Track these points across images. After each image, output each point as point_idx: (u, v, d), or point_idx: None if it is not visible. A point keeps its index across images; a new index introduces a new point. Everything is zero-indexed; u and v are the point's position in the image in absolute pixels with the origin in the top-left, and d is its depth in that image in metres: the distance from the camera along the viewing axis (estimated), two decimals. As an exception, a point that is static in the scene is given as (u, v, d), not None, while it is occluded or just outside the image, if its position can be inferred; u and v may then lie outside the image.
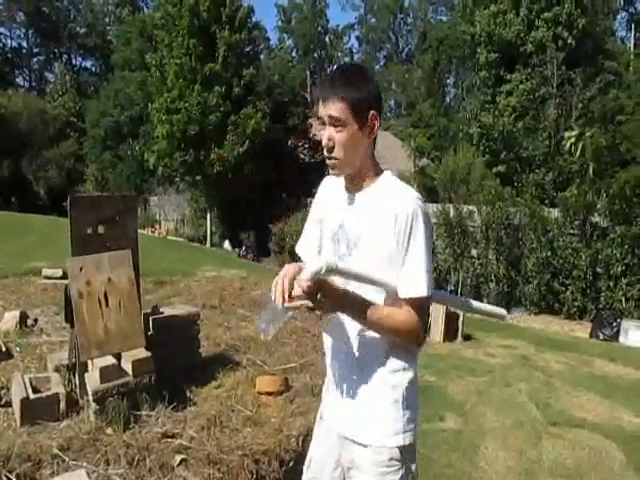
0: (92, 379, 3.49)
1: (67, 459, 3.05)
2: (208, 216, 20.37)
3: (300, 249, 1.87)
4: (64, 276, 7.39)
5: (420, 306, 1.56)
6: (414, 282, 1.54)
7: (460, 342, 7.19)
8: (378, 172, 1.65)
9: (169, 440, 3.28)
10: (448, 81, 37.72)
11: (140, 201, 25.37)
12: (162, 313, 4.20)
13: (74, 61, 62.24)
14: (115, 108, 29.38)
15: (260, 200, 19.65)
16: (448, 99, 36.28)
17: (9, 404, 3.65)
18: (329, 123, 1.54)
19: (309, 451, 1.90)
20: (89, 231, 3.84)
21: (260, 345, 4.96)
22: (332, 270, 1.46)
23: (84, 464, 3.02)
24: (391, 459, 1.61)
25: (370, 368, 1.62)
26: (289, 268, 1.53)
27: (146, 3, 60.49)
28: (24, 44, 61.71)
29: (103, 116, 29.71)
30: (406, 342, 1.61)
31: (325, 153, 1.57)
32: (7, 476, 2.84)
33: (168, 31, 19.46)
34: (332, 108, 1.51)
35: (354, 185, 1.65)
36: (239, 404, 3.80)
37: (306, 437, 3.52)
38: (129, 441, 3.20)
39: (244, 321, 5.68)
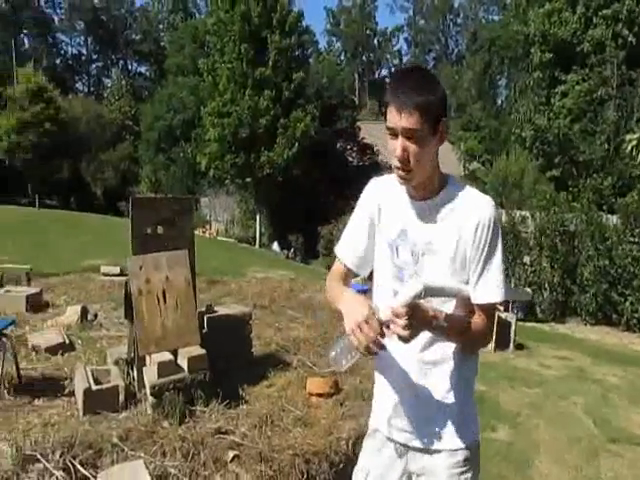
0: (150, 373, 3.61)
1: (126, 449, 3.17)
2: (257, 218, 20.69)
3: (342, 251, 1.77)
4: (121, 273, 7.68)
5: (493, 311, 1.58)
6: (493, 289, 1.53)
7: (512, 351, 7.03)
8: (443, 177, 1.60)
9: (222, 436, 3.36)
10: (500, 82, 36.99)
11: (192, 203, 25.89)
12: (216, 312, 4.30)
13: (130, 67, 64.53)
14: (168, 112, 30.21)
15: (308, 202, 19.81)
16: (499, 101, 35.59)
17: (72, 394, 3.82)
18: (403, 134, 1.45)
19: (362, 461, 1.84)
20: (148, 231, 3.99)
21: (310, 347, 5.01)
22: (428, 291, 1.40)
23: (142, 455, 3.12)
24: (465, 459, 1.62)
25: (439, 373, 1.60)
26: (361, 310, 1.41)
27: (198, 9, 62.15)
28: (83, 51, 64.46)
29: (157, 120, 30.61)
30: (476, 346, 1.63)
31: (396, 163, 1.49)
32: (71, 461, 2.98)
33: (220, 36, 19.91)
34: (409, 120, 1.43)
35: (420, 192, 1.58)
36: (290, 404, 3.84)
37: (356, 441, 3.52)
38: (184, 435, 3.29)
39: (294, 322, 5.74)
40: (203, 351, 3.73)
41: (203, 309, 4.31)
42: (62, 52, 62.97)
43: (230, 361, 4.17)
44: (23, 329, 5.04)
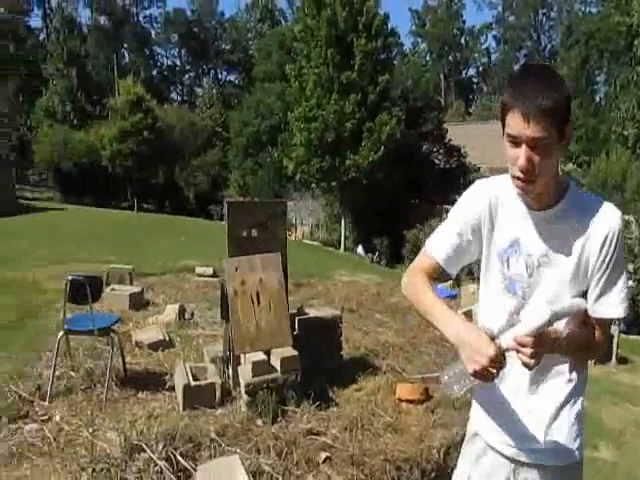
0: (245, 372, 3.74)
1: (223, 444, 3.30)
2: (342, 221, 20.79)
3: (435, 246, 1.61)
4: (214, 274, 8.00)
5: (610, 325, 1.51)
6: (616, 304, 1.45)
7: (614, 365, 6.59)
8: (562, 183, 1.47)
9: (314, 437, 3.41)
10: (598, 78, 34.88)
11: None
12: (307, 314, 4.38)
13: (220, 75, 67.22)
14: (256, 118, 31.06)
15: (394, 206, 19.66)
16: (598, 98, 33.55)
17: (172, 389, 4.04)
18: (528, 143, 1.32)
19: (462, 467, 1.78)
20: (244, 234, 4.13)
21: (399, 352, 4.97)
22: (554, 318, 1.33)
23: (237, 450, 3.24)
24: (573, 473, 1.57)
25: (550, 388, 1.52)
26: (481, 346, 1.32)
27: (285, 17, 63.58)
28: (177, 62, 67.90)
29: (245, 126, 31.55)
30: (590, 359, 1.56)
31: (518, 174, 1.37)
32: (173, 453, 3.14)
33: (307, 42, 20.22)
34: (535, 128, 1.30)
35: (538, 200, 1.45)
36: (379, 409, 3.84)
37: (448, 450, 3.45)
38: (277, 434, 3.37)
39: (382, 327, 5.72)
40: (295, 352, 3.80)
41: (294, 311, 4.40)
42: (158, 64, 66.68)
43: (320, 363, 4.22)
44: (127, 326, 5.38)
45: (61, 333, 3.99)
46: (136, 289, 6.39)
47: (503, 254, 1.53)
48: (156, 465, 3.04)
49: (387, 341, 5.19)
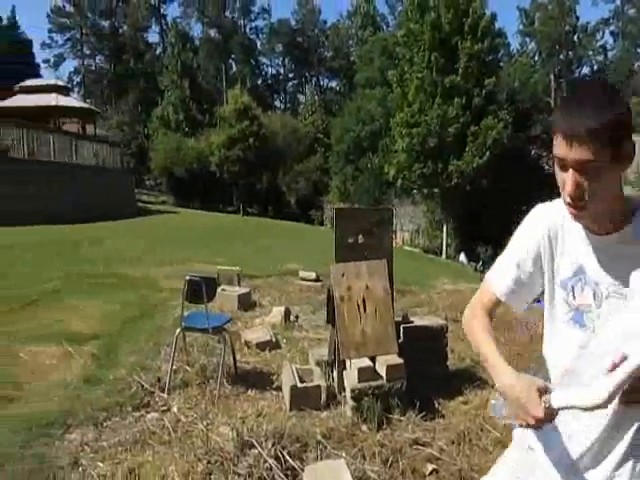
0: (350, 377, 3.77)
1: (328, 447, 3.34)
2: (444, 228, 20.38)
3: (495, 279, 1.51)
4: (317, 279, 8.16)
5: None
6: None
7: None
8: (630, 205, 1.32)
9: (420, 447, 3.36)
10: None
11: (377, 211, 26.48)
12: (412, 322, 4.33)
13: (322, 82, 68.53)
14: (357, 124, 31.33)
15: (499, 213, 18.92)
16: None
17: (279, 389, 4.16)
18: (575, 167, 1.20)
19: (496, 468, 1.65)
20: (350, 240, 4.18)
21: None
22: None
23: (343, 454, 3.27)
24: None
25: (631, 427, 1.34)
26: (530, 406, 1.23)
27: (387, 23, 63.51)
28: (281, 71, 70.10)
29: (346, 132, 31.94)
30: None
31: (567, 199, 1.25)
32: (281, 452, 3.24)
33: (410, 47, 20.11)
34: (580, 150, 1.18)
35: (600, 225, 1.32)
36: (488, 424, 3.70)
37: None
38: (383, 441, 3.37)
39: (488, 338, 5.51)
40: (401, 360, 3.78)
41: (399, 318, 4.37)
42: (263, 73, 69.20)
43: (425, 373, 4.16)
44: (236, 325, 5.62)
45: (178, 330, 4.26)
46: (244, 290, 6.67)
47: (568, 282, 1.41)
48: (265, 462, 3.14)
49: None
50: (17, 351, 4.51)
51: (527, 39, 57.57)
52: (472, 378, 4.39)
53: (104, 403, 3.79)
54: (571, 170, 1.21)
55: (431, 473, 3.14)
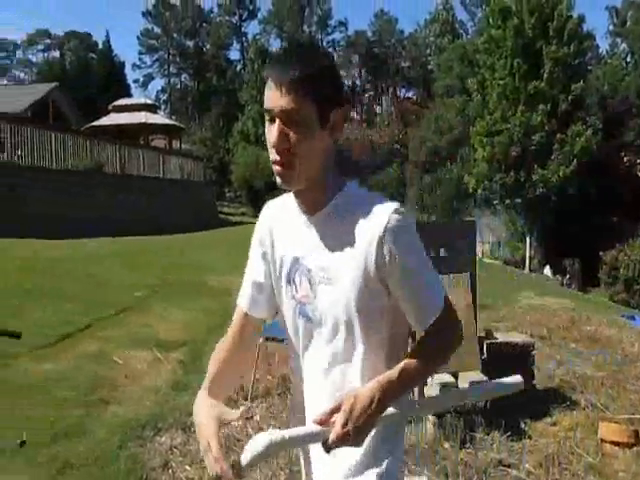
0: (432, 393, 3.71)
1: (410, 462, 3.30)
2: (527, 240, 19.59)
3: (241, 298, 1.39)
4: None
5: (444, 317, 1.19)
6: (427, 306, 1.18)
7: None
8: (337, 184, 1.24)
9: (505, 469, 3.25)
10: None
11: (456, 222, 26.00)
12: (496, 338, 4.21)
13: (398, 92, 68.27)
14: (435, 134, 30.91)
15: (587, 224, 17.95)
16: None
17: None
18: (281, 117, 1.13)
19: None
20: (432, 253, 4.13)
21: (599, 387, 4.53)
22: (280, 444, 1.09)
23: (425, 471, 3.22)
24: None
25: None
26: (205, 433, 1.19)
27: (465, 30, 62.43)
28: (357, 82, 70.54)
29: (424, 142, 31.57)
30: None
31: (274, 156, 1.16)
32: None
33: (491, 54, 19.62)
34: (289, 100, 1.12)
35: (309, 203, 1.23)
36: (579, 448, 3.52)
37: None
38: (466, 460, 3.29)
39: (578, 357, 5.26)
40: (485, 377, 3.67)
41: (482, 334, 4.26)
42: (339, 86, 69.98)
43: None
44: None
45: (261, 340, 4.36)
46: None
47: (289, 275, 1.28)
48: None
49: (585, 373, 4.76)
50: (112, 355, 4.79)
51: (618, 40, 54.53)
52: (561, 399, 4.20)
53: (191, 409, 3.94)
54: (277, 120, 1.13)
55: (518, 497, 3.04)
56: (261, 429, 3.74)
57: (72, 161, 14.37)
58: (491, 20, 19.51)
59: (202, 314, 6.46)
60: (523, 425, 3.76)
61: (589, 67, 23.09)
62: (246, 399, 4.15)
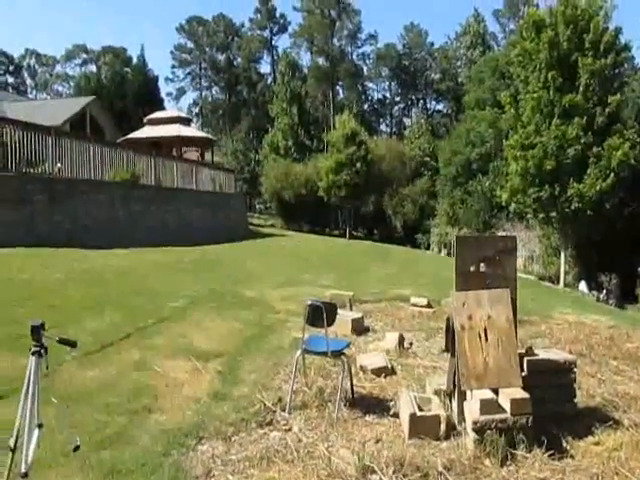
0: (472, 409, 3.68)
1: (450, 479, 3.29)
2: (562, 255, 19.19)
3: None
4: (428, 305, 8.05)
5: None
6: None
7: None
8: None
9: (548, 488, 3.21)
10: None
11: (487, 236, 25.69)
12: (536, 355, 4.16)
13: (428, 105, 68.03)
14: (466, 146, 30.67)
15: (625, 239, 17.51)
16: None
17: (396, 415, 4.16)
18: None
19: None
20: (472, 268, 4.12)
21: (643, 406, 4.42)
22: None
23: (465, 489, 3.20)
24: None
25: None
26: None
27: (497, 42, 61.99)
28: (387, 95, 70.59)
29: (455, 155, 31.36)
30: None
31: None
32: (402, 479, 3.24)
33: (524, 67, 19.42)
34: None
35: None
36: (624, 468, 3.45)
37: None
38: (508, 477, 3.26)
39: (619, 375, 5.15)
40: (527, 395, 3.64)
41: (522, 351, 4.21)
42: (369, 98, 70.09)
43: (551, 409, 3.97)
44: (350, 350, 5.68)
45: (299, 352, 4.41)
46: (357, 315, 6.74)
47: None
48: (387, 489, 3.16)
49: (628, 392, 4.65)
50: (152, 365, 4.89)
51: (655, 51, 53.45)
52: (603, 418, 4.12)
53: (231, 419, 4.00)
54: None
55: (562, 517, 2.99)
56: (300, 441, 3.78)
57: (110, 173, 14.73)
58: (525, 33, 19.34)
59: (239, 325, 6.54)
60: (565, 444, 3.70)
61: (627, 79, 22.63)
62: (284, 410, 4.18)
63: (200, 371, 4.91)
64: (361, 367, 5.09)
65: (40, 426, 2.41)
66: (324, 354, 4.32)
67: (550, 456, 3.50)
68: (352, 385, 4.46)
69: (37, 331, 2.35)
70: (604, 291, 17.13)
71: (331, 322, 4.29)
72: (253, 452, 3.58)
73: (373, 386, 4.77)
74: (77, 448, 2.71)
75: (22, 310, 6.01)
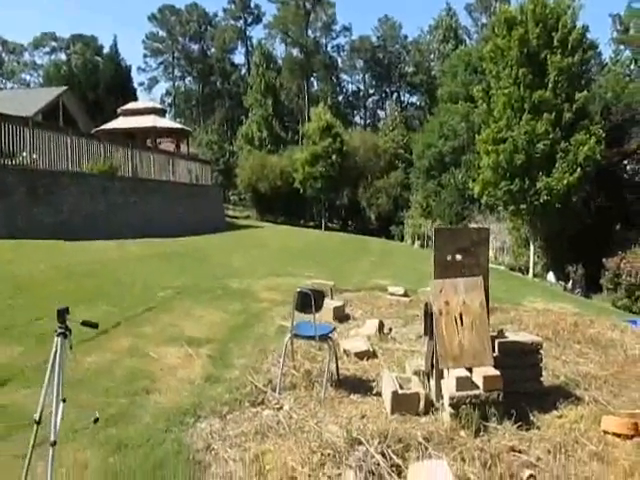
0: (449, 386, 4.04)
1: (429, 448, 3.63)
2: (531, 246, 19.87)
3: None
4: (405, 294, 8.42)
5: None
6: None
7: None
8: None
9: (517, 454, 3.58)
10: None
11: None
12: (506, 337, 4.53)
13: (402, 98, 68.63)
14: (439, 139, 31.23)
15: (591, 231, 18.26)
16: None
17: (379, 394, 4.49)
18: None
19: None
20: (449, 258, 4.46)
21: (602, 384, 4.84)
22: None
23: (443, 456, 3.54)
24: None
25: None
26: None
27: (469, 35, 62.80)
28: (361, 87, 70.92)
29: (428, 147, 31.90)
30: None
31: None
32: (386, 450, 3.56)
33: (496, 63, 19.95)
34: None
35: None
36: (583, 438, 3.84)
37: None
38: (481, 446, 3.61)
39: (582, 357, 5.58)
40: (497, 372, 4.00)
41: (494, 334, 4.58)
42: (344, 90, 70.34)
43: (519, 386, 4.34)
44: (334, 335, 6.00)
45: (288, 337, 4.70)
46: (338, 303, 7.06)
47: None
48: (373, 457, 3.49)
49: (589, 372, 5.07)
50: (147, 351, 5.13)
51: (622, 47, 54.83)
52: (566, 395, 4.51)
53: (225, 399, 4.28)
54: None
55: (529, 478, 3.35)
56: (291, 418, 4.08)
57: (88, 165, 14.70)
58: (497, 29, 19.86)
59: (225, 314, 6.79)
60: (532, 417, 4.08)
61: (593, 77, 23.37)
62: (274, 391, 4.47)
63: (192, 356, 5.17)
64: (344, 351, 5.41)
65: (64, 400, 2.65)
66: (312, 338, 4.63)
67: (519, 427, 3.87)
68: (337, 367, 4.78)
69: (62, 315, 2.59)
70: (571, 281, 17.86)
71: (319, 308, 4.60)
72: (248, 428, 3.87)
73: (356, 368, 5.09)
74: (97, 420, 2.97)
75: (13, 302, 6.17)
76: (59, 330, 2.59)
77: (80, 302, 6.42)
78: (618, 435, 3.90)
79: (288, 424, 3.95)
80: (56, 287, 7.06)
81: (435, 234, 4.53)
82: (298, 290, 4.57)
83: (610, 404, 4.46)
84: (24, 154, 12.97)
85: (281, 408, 4.25)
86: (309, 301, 4.48)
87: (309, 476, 3.37)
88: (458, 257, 4.46)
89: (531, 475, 3.39)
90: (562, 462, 3.53)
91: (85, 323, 2.68)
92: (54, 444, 2.52)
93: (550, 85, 18.10)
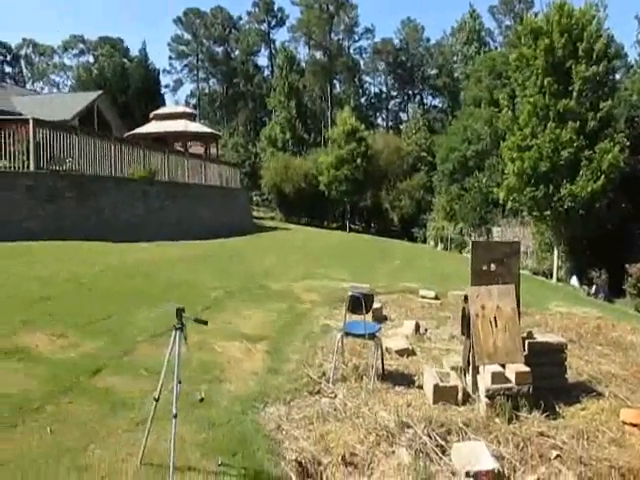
0: (485, 380, 4.62)
1: (468, 432, 4.22)
2: (555, 251, 20.22)
3: None
4: (436, 297, 8.98)
5: None
6: None
7: None
8: None
9: (545, 438, 4.15)
10: None
11: (483, 232, 26.76)
12: (535, 338, 5.09)
13: (425, 100, 68.92)
14: (463, 143, 31.59)
15: (615, 237, 18.56)
16: None
17: (421, 387, 5.08)
18: None
19: None
20: (484, 267, 5.04)
21: (622, 382, 5.37)
22: None
23: (481, 439, 4.13)
24: None
25: None
26: None
27: (492, 38, 62.82)
28: (384, 89, 71.33)
29: (452, 151, 32.29)
30: None
31: None
32: (430, 433, 4.16)
33: (522, 71, 20.34)
34: None
35: None
36: (604, 426, 4.40)
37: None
38: (514, 431, 4.19)
39: (603, 358, 6.09)
40: (527, 368, 4.57)
41: (524, 335, 5.14)
42: (367, 92, 70.81)
43: (547, 382, 4.90)
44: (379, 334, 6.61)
45: (340, 334, 5.32)
46: (377, 305, 7.64)
47: None
48: (421, 438, 4.09)
49: (610, 371, 5.59)
50: (212, 345, 5.79)
51: (647, 50, 54.35)
52: (589, 390, 5.05)
53: (286, 388, 4.91)
54: None
55: (555, 457, 3.93)
56: (346, 405, 4.69)
57: (129, 170, 15.53)
58: (523, 39, 20.24)
59: (273, 314, 7.43)
60: (558, 409, 4.64)
61: (618, 86, 23.50)
62: (328, 382, 5.09)
63: (251, 351, 5.81)
64: (386, 348, 5.99)
65: (180, 382, 3.31)
66: (361, 336, 5.24)
67: (546, 417, 4.44)
68: (383, 362, 5.38)
69: (180, 313, 3.25)
70: (594, 286, 18.16)
71: (368, 310, 5.21)
72: (310, 413, 4.49)
73: (398, 364, 5.69)
74: (202, 400, 3.62)
75: (83, 301, 6.90)
76: (177, 325, 3.24)
77: (142, 303, 7.11)
78: (635, 425, 4.44)
79: (344, 410, 4.57)
80: (116, 287, 7.78)
81: (472, 246, 5.12)
82: (350, 294, 5.18)
83: (629, 399, 5.00)
84: (69, 160, 13.82)
85: (336, 397, 4.87)
86: (360, 304, 5.09)
87: (367, 452, 3.99)
88: (492, 267, 5.03)
89: (558, 455, 3.96)
90: (585, 446, 4.10)
91: (197, 320, 3.34)
92: (175, 416, 3.18)
93: (575, 94, 18.44)
